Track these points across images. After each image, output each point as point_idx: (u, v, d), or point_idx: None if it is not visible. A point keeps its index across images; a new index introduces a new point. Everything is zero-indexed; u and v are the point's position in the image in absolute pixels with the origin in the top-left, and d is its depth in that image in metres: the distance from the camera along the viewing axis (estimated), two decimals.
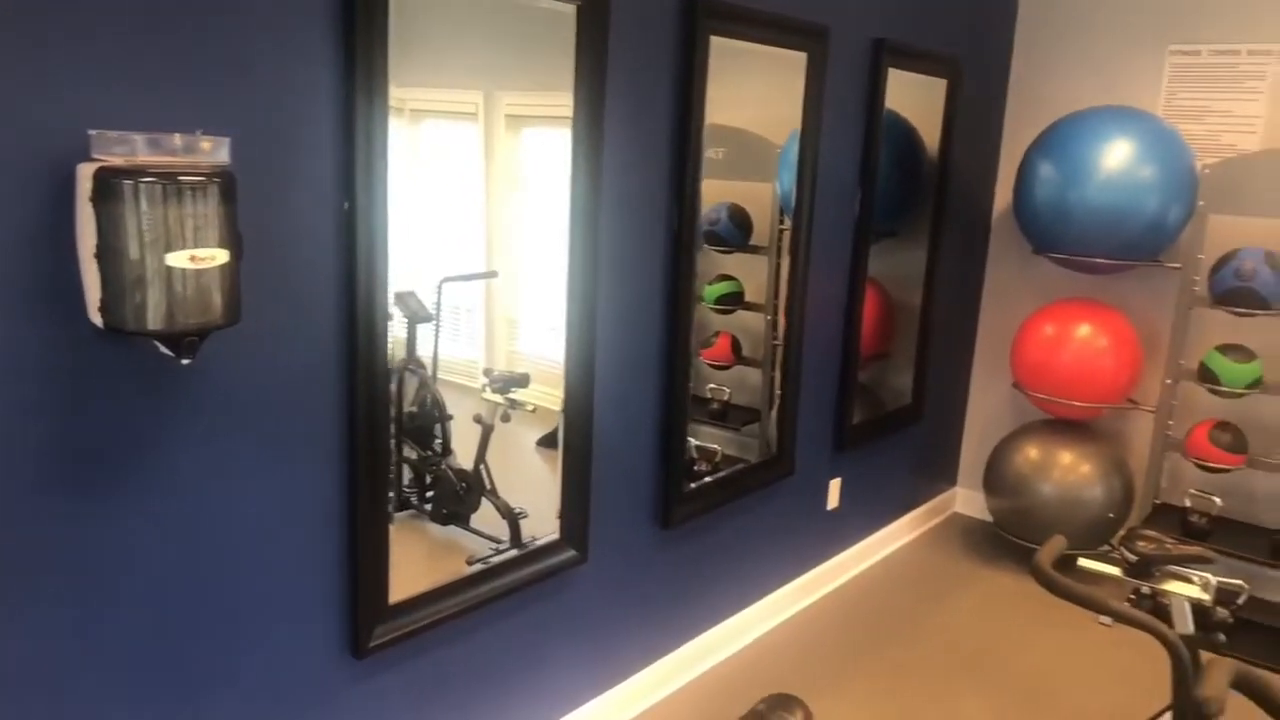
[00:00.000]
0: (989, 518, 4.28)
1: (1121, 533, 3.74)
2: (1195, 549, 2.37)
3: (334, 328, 1.90)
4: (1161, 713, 2.52)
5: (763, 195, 3.16)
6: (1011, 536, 4.06)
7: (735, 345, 3.26)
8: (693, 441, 3.08)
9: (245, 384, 1.77)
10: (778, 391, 3.29)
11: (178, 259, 1.42)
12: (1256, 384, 3.48)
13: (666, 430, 2.79)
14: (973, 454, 4.62)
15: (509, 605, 2.41)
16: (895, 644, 3.38)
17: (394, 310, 2.06)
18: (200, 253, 1.45)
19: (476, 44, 2.14)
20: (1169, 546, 2.39)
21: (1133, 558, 2.42)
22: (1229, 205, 3.44)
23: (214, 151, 1.51)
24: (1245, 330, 3.77)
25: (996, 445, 4.18)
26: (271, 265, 1.78)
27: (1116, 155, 3.55)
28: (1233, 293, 3.41)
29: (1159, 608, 2.47)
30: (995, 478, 4.10)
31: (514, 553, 2.37)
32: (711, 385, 3.23)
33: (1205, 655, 1.52)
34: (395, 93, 1.94)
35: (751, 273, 3.20)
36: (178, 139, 1.46)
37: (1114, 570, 2.52)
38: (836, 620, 3.54)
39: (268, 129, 1.73)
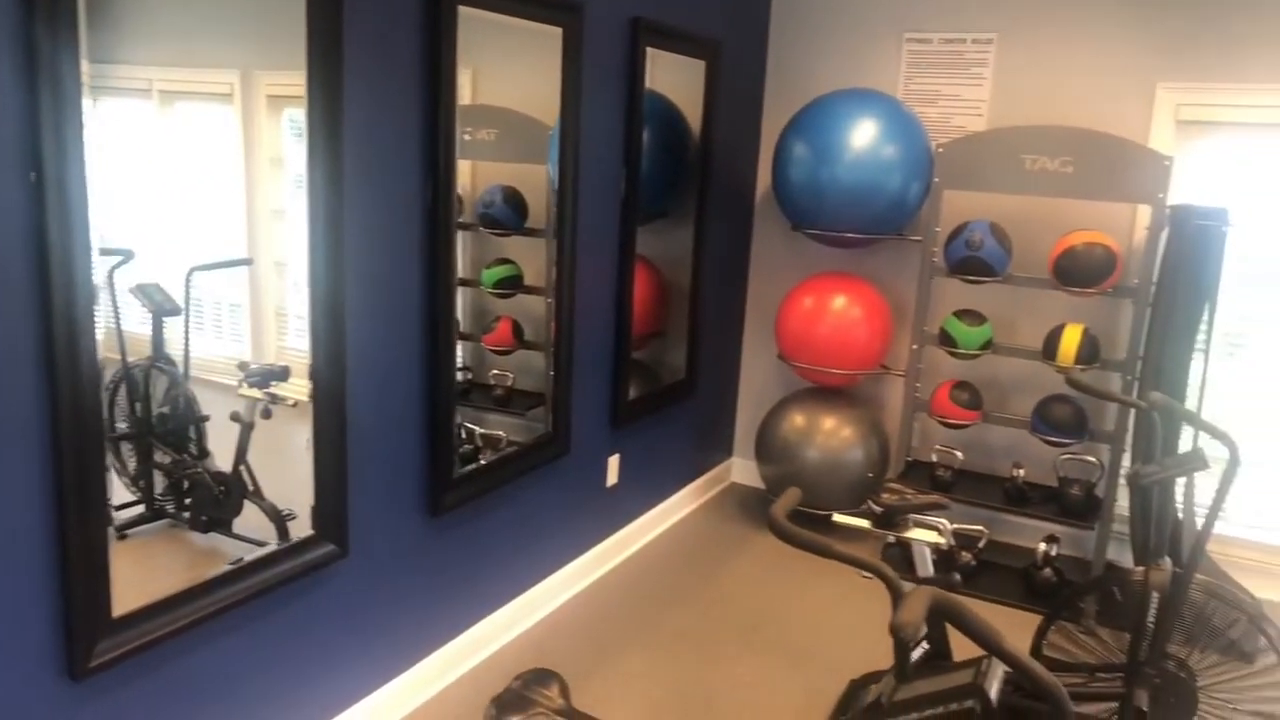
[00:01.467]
0: (763, 485, 4.46)
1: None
2: (932, 497, 2.55)
3: (22, 316, 1.69)
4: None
5: (537, 177, 3.12)
6: None
7: (517, 329, 3.22)
8: (477, 429, 3.01)
9: None
10: (551, 373, 3.27)
11: None
12: (988, 345, 3.81)
13: (432, 415, 2.71)
14: (746, 424, 4.80)
15: (262, 607, 2.25)
16: (674, 613, 3.46)
17: (135, 302, 1.88)
18: None
19: (229, 21, 1.98)
20: (909, 496, 2.57)
21: (878, 510, 2.58)
22: (960, 181, 3.73)
23: None
24: (977, 296, 4.12)
25: (766, 415, 4.36)
26: None
27: (863, 136, 3.77)
28: (965, 262, 3.71)
29: (908, 555, 2.66)
30: (765, 446, 4.27)
31: (265, 552, 2.22)
32: (495, 371, 3.17)
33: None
34: (140, 72, 1.79)
35: (531, 256, 3.16)
36: None
37: (864, 523, 2.69)
38: (618, 595, 3.58)
39: None
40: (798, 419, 4.19)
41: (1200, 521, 2.36)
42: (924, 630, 1.14)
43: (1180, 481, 3.36)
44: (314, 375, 2.29)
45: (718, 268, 4.34)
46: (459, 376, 2.94)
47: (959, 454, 4.05)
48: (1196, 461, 2.30)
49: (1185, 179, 3.77)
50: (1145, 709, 2.27)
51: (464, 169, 2.82)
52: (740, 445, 4.83)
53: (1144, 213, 3.73)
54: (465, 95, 2.73)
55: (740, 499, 4.61)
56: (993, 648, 1.16)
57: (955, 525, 4.04)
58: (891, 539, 2.64)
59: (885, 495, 2.57)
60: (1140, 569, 2.38)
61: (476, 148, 2.82)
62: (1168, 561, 2.34)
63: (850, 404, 4.22)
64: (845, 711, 2.80)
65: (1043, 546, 3.69)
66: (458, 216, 2.70)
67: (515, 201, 3.11)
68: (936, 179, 3.78)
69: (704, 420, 4.45)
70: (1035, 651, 2.70)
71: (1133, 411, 3.57)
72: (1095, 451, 3.90)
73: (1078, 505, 3.73)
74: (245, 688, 2.25)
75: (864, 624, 3.47)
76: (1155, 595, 2.32)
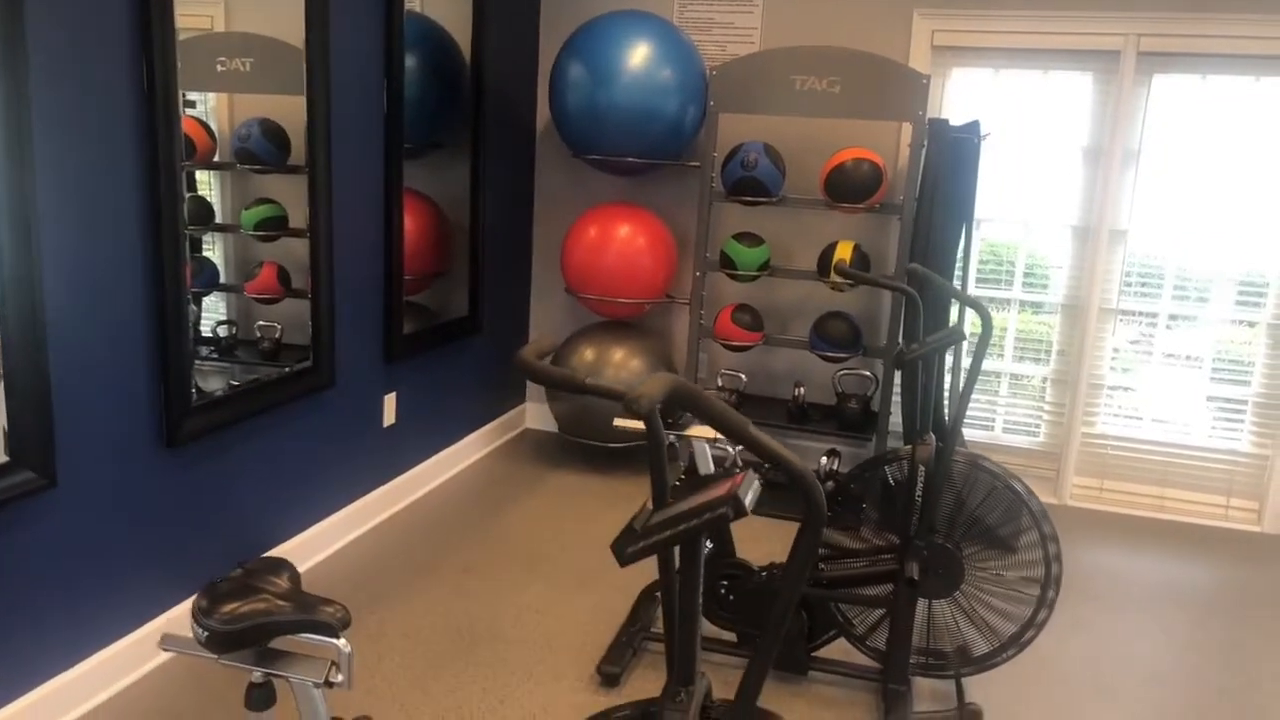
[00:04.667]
0: (556, 426, 4.34)
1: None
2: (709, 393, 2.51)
3: None
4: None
5: (301, 109, 2.87)
6: (576, 438, 4.15)
7: (283, 276, 2.94)
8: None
9: None
10: (309, 298, 3.00)
11: None
12: (766, 266, 3.85)
13: (162, 330, 2.39)
14: None
15: None
16: (460, 550, 3.28)
17: None
18: None
19: None
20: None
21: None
22: (735, 104, 3.73)
23: None
24: (755, 221, 4.17)
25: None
26: None
27: (639, 58, 3.70)
28: (741, 183, 3.72)
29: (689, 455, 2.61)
30: None
31: None
32: (261, 322, 2.88)
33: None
34: None
35: (297, 195, 2.91)
36: None
37: (642, 424, 2.61)
38: (401, 538, 3.36)
39: None
40: (588, 353, 4.10)
41: (960, 396, 2.43)
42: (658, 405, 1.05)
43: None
44: None
45: (500, 201, 4.17)
46: (223, 331, 2.68)
47: (744, 377, 4.09)
48: (955, 335, 2.36)
49: (944, 102, 3.95)
50: (915, 579, 2.32)
51: (219, 102, 2.58)
52: (534, 390, 4.69)
53: (907, 132, 3.88)
54: (219, 22, 2.50)
55: (535, 444, 4.47)
56: (738, 433, 1.08)
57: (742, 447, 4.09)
58: (672, 437, 2.58)
59: None
60: (908, 447, 2.43)
61: (231, 78, 2.58)
62: (932, 437, 2.40)
63: (639, 335, 4.18)
64: (637, 621, 2.73)
65: (824, 461, 3.78)
66: (183, 122, 2.39)
67: (275, 135, 2.84)
68: (712, 102, 3.77)
69: (492, 361, 4.28)
70: None
71: (903, 309, 3.70)
72: (870, 366, 4.04)
73: (855, 419, 3.84)
74: None
75: None
76: (921, 470, 2.38)
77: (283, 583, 1.41)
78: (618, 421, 2.68)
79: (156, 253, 2.35)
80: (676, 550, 1.26)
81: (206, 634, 1.32)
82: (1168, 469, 4.00)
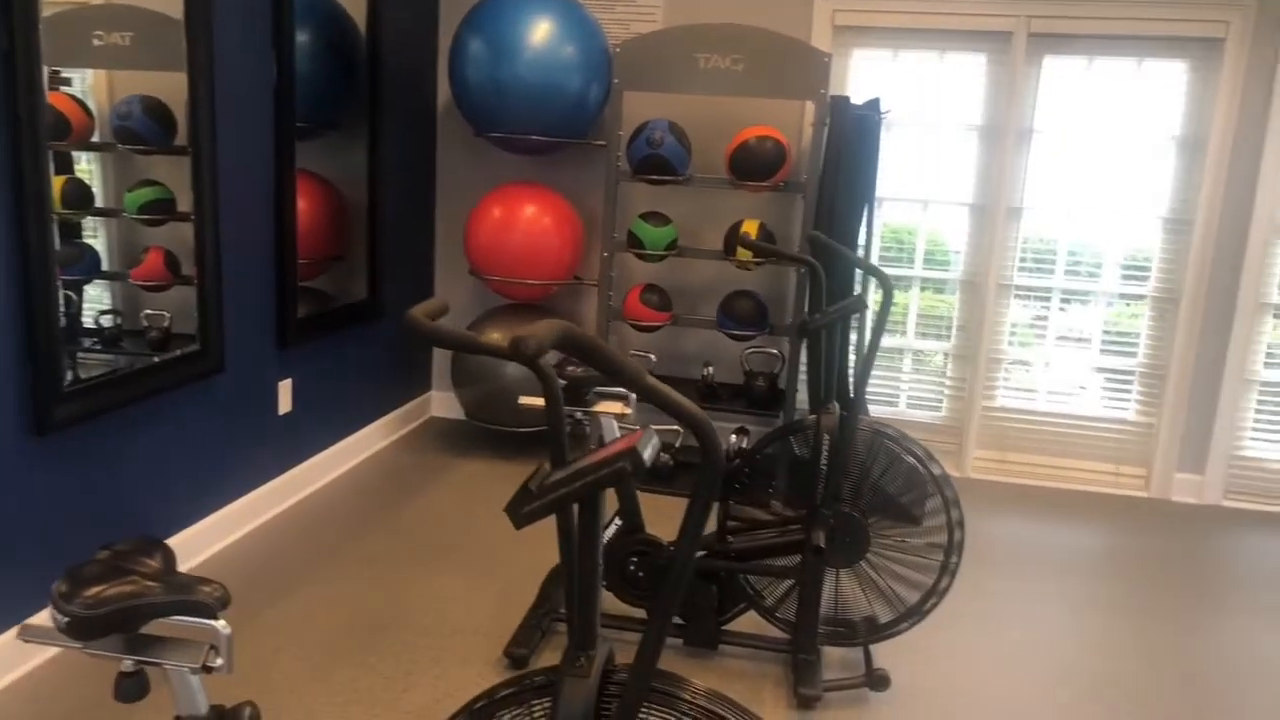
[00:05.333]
0: (463, 413, 4.25)
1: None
2: None
3: None
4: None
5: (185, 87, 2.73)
6: (483, 424, 4.07)
7: (171, 261, 2.78)
8: None
9: None
10: (195, 281, 2.86)
11: None
12: (674, 246, 3.82)
13: (26, 301, 2.23)
14: (444, 353, 4.56)
15: None
16: (367, 540, 3.17)
17: None
18: None
19: None
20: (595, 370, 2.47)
21: (564, 383, 2.47)
22: (639, 82, 3.69)
23: None
24: (662, 199, 4.14)
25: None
26: None
27: (541, 33, 3.63)
28: (647, 160, 3.68)
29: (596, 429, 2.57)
30: (461, 369, 4.07)
31: None
32: (148, 311, 2.73)
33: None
34: None
35: (185, 177, 2.76)
36: None
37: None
38: (300, 530, 3.23)
39: None
40: (494, 336, 4.02)
41: (863, 362, 2.44)
42: (547, 351, 1.00)
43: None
44: None
45: (400, 182, 4.04)
46: (106, 321, 2.54)
47: (653, 358, 4.07)
48: (858, 303, 2.38)
49: (845, 83, 3.99)
50: (822, 546, 2.33)
51: (97, 79, 2.45)
52: (439, 377, 4.58)
53: (810, 110, 3.90)
54: None
55: (441, 431, 4.37)
56: (633, 382, 1.04)
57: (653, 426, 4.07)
58: (580, 414, 2.53)
59: (571, 369, 2.46)
60: (813, 416, 2.44)
61: (110, 54, 2.44)
62: (836, 405, 2.40)
63: (547, 317, 4.10)
64: (544, 603, 2.67)
65: (733, 439, 3.78)
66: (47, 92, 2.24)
67: (158, 113, 2.69)
68: (616, 80, 3.72)
69: (394, 348, 4.16)
70: (722, 527, 2.70)
71: (807, 282, 3.72)
72: (776, 344, 4.06)
73: (763, 396, 3.85)
74: None
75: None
76: (826, 438, 2.38)
77: (154, 563, 1.31)
78: (522, 400, 2.62)
79: (20, 232, 2.19)
80: (576, 513, 1.21)
81: (67, 620, 1.22)
82: (1062, 439, 4.13)
